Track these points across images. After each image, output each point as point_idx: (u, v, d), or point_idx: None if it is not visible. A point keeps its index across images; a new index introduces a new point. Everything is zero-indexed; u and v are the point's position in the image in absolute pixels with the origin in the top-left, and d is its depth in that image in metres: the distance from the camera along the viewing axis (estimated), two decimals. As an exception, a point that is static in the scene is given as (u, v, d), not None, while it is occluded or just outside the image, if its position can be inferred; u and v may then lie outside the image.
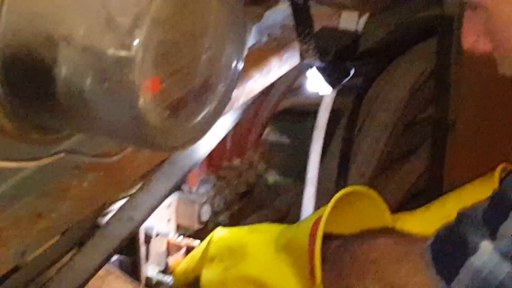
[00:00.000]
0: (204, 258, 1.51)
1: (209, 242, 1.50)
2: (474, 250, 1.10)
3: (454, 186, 1.69)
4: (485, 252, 1.08)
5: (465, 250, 1.11)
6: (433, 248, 1.16)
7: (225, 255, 1.48)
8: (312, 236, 1.31)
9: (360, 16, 1.53)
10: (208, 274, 1.50)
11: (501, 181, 1.47)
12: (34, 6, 1.05)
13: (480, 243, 1.09)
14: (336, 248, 1.32)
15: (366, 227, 1.39)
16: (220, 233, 1.51)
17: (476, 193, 1.39)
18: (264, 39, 1.51)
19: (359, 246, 1.31)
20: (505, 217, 1.08)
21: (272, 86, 1.56)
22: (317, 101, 1.62)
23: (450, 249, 1.14)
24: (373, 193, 1.40)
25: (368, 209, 1.41)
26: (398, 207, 1.72)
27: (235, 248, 1.47)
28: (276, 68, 1.49)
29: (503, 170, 1.50)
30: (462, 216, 1.17)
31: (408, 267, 1.19)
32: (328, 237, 1.31)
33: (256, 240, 1.46)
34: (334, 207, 1.33)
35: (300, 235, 1.36)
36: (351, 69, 1.47)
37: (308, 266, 1.31)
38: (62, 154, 1.15)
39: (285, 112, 1.83)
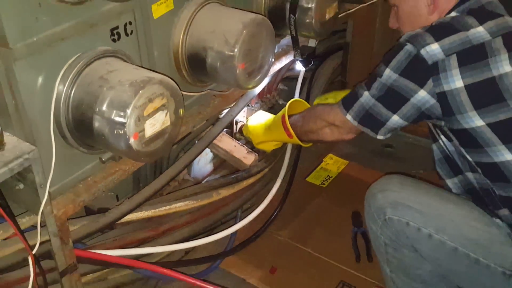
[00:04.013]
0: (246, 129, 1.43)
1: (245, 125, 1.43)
2: (361, 94, 1.03)
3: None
4: (365, 95, 1.02)
5: (356, 97, 1.04)
6: (344, 100, 1.08)
7: (250, 132, 1.39)
8: (283, 116, 1.24)
9: (316, 40, 1.38)
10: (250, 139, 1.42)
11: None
12: (202, 32, 1.02)
13: (364, 92, 1.03)
14: (295, 118, 1.22)
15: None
16: (251, 121, 1.40)
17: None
18: (280, 49, 1.37)
19: (307, 112, 1.20)
20: (375, 80, 1.01)
21: (282, 67, 1.43)
22: (298, 73, 1.49)
23: (350, 98, 1.06)
24: (304, 102, 1.32)
25: (303, 105, 1.31)
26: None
27: (254, 129, 1.39)
28: (284, 60, 1.38)
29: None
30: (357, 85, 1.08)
31: (333, 112, 1.10)
32: (289, 116, 1.23)
33: (260, 126, 1.37)
34: (290, 106, 1.27)
35: (277, 118, 1.29)
36: (312, 62, 1.34)
37: (284, 131, 1.23)
38: (208, 90, 1.16)
39: (286, 78, 1.65)
